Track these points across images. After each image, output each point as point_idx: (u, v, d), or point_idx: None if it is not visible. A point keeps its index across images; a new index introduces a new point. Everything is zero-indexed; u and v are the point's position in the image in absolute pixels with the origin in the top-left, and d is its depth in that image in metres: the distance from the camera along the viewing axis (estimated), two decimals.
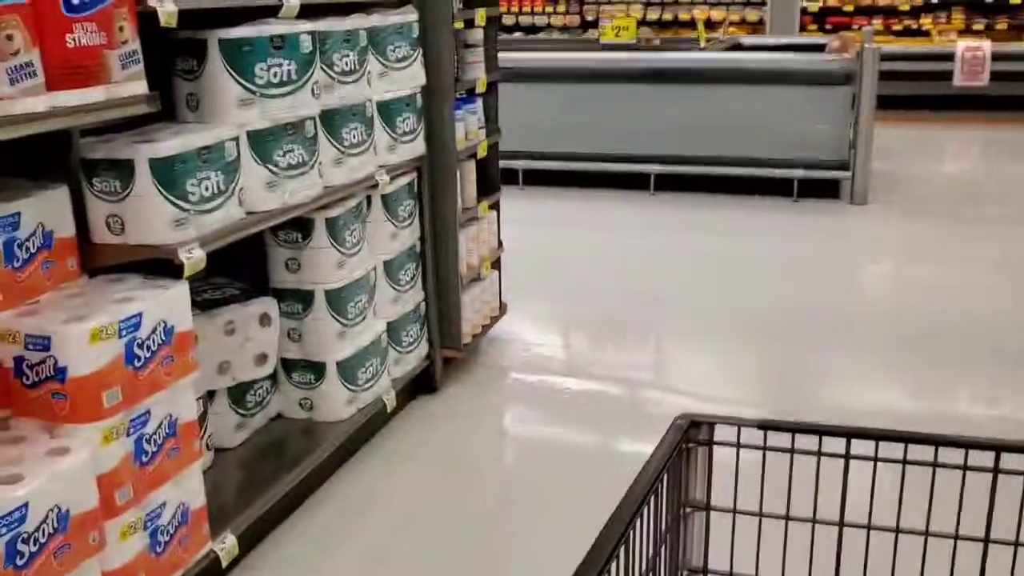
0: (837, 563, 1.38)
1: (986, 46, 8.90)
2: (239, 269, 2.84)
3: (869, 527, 1.38)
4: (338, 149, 2.80)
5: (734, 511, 1.40)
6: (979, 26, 10.69)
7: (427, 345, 3.49)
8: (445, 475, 3.09)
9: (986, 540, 1.33)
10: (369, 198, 3.07)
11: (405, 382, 3.33)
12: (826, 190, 6.43)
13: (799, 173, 6.33)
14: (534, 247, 4.90)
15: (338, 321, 2.90)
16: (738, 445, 1.36)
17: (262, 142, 2.45)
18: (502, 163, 4.08)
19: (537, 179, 6.84)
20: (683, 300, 4.67)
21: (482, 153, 3.73)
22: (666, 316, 4.48)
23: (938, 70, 9.03)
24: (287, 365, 2.95)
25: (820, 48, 6.87)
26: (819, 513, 1.38)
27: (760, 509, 1.39)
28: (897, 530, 1.37)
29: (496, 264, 3.97)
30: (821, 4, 11.31)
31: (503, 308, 4.03)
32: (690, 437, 1.35)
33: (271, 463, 2.74)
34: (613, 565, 1.09)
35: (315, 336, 2.90)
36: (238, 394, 2.76)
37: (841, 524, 1.38)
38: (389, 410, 3.17)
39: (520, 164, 6.73)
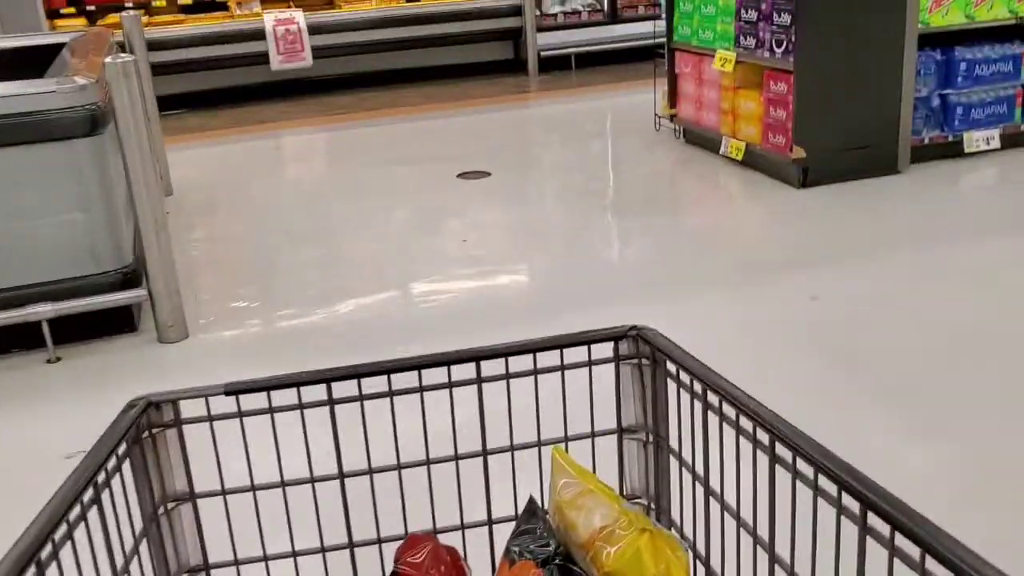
0: (345, 510, 1.28)
1: (299, 17, 7.21)
2: None
3: (371, 471, 1.30)
4: None
5: (223, 492, 1.24)
6: None
7: None
8: None
9: (456, 457, 1.32)
10: None
11: None
12: (109, 324, 3.28)
13: (46, 311, 3.08)
14: None
15: None
16: (210, 418, 1.21)
17: None
18: None
19: None
20: None
21: None
22: None
23: (252, 52, 7.16)
24: None
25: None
26: (317, 470, 1.27)
27: (252, 483, 1.25)
28: (399, 466, 1.31)
29: None
30: None
31: None
32: (152, 421, 1.17)
33: None
34: None
35: None
36: None
37: (341, 476, 1.29)
38: None
39: None
